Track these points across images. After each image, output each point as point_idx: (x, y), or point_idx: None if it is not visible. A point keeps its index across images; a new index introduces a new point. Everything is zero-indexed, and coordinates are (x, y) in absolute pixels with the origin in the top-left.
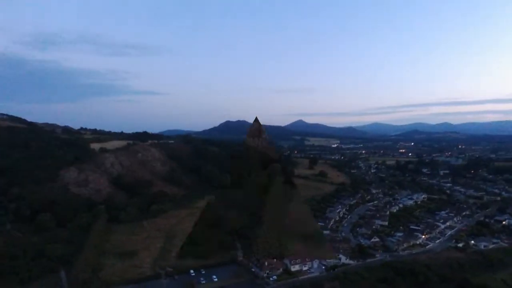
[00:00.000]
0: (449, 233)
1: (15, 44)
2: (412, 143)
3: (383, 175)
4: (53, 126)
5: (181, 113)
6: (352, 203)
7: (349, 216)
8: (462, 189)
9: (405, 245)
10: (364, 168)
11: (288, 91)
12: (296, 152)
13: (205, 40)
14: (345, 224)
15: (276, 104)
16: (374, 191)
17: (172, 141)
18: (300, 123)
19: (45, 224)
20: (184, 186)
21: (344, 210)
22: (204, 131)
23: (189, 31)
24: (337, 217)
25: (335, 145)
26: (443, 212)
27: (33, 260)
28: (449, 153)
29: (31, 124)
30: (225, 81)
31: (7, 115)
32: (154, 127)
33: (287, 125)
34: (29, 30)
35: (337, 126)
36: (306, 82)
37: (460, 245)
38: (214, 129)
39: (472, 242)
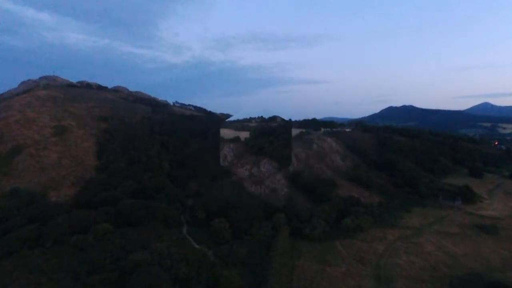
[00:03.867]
0: None
1: (205, 49)
2: None
3: None
4: (227, 116)
5: (338, 101)
6: None
7: None
8: None
9: None
10: None
11: (467, 68)
12: (496, 142)
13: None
14: None
15: (451, 85)
16: None
17: (349, 129)
18: (486, 106)
19: (220, 233)
20: (376, 189)
21: None
22: (363, 118)
23: (346, 17)
24: None
25: None
26: None
27: None
28: None
29: (209, 113)
30: (387, 64)
31: (192, 105)
32: (311, 116)
33: (468, 109)
34: (215, 36)
35: None
36: (493, 55)
37: None
38: (374, 116)
39: None
